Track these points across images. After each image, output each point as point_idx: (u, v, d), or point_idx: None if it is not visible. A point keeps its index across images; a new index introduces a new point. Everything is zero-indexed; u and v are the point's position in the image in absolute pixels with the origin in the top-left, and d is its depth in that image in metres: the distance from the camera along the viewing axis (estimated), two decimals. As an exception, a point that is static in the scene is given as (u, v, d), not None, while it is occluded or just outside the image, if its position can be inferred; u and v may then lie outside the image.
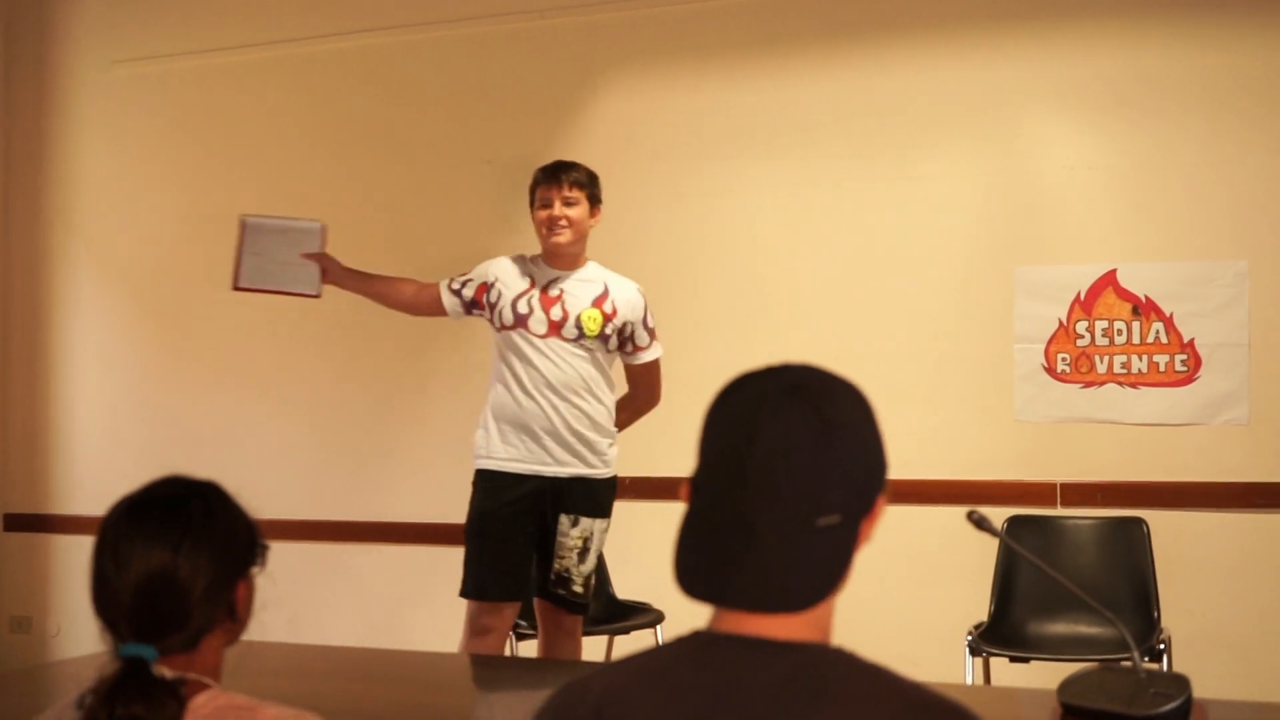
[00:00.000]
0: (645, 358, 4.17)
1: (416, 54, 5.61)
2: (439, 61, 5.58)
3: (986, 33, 4.88)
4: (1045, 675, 3.04)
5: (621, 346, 4.12)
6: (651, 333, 4.16)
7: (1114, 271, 4.71)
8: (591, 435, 4.04)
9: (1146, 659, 3.87)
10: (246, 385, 5.84)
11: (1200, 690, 2.52)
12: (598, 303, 4.05)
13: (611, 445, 4.12)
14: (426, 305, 4.21)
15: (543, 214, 4.06)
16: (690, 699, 1.33)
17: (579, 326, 4.01)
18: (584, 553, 4.04)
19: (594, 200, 4.13)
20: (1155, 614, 4.23)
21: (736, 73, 5.18)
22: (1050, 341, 4.76)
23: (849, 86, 5.01)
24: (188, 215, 5.98)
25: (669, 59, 5.28)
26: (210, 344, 5.93)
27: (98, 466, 5.99)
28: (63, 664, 3.37)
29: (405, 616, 5.39)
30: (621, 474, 5.07)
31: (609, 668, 1.43)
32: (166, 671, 1.66)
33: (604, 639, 4.67)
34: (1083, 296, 4.73)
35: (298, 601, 5.45)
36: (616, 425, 4.16)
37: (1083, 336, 4.73)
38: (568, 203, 4.06)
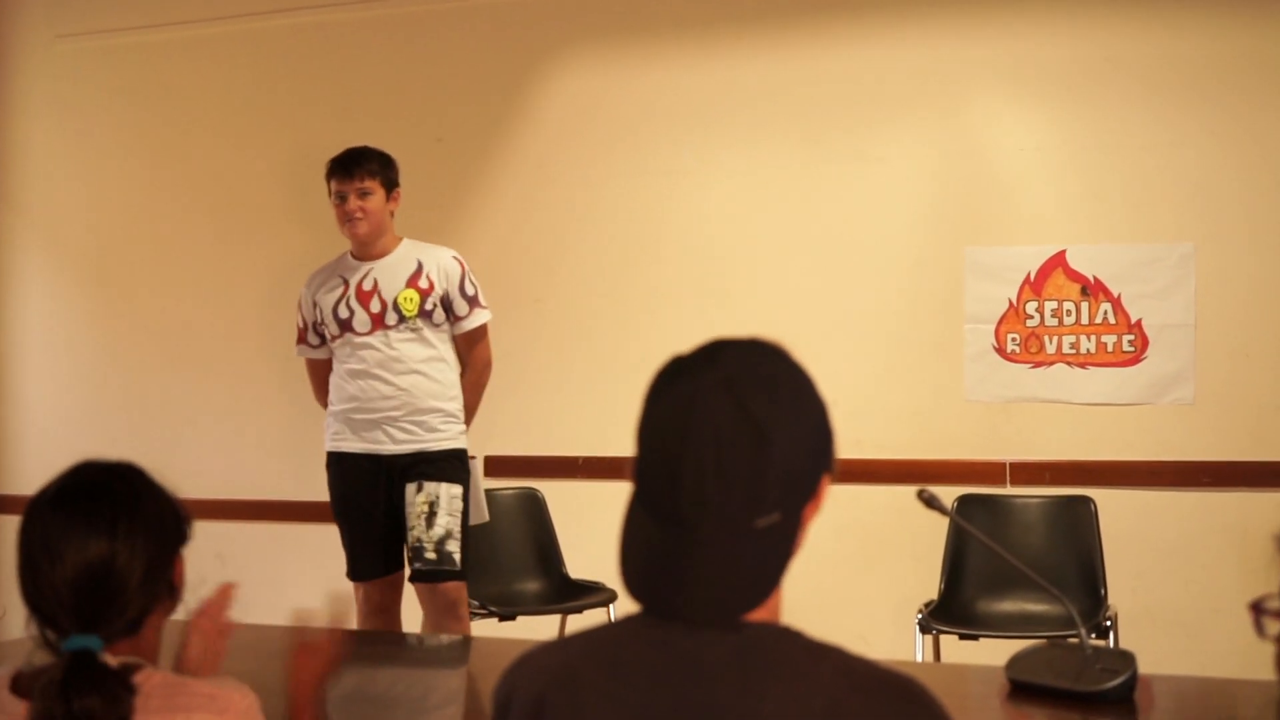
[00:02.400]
0: (467, 326, 4.15)
1: (367, 30, 5.56)
2: (390, 38, 5.53)
3: (939, 15, 4.89)
4: (994, 652, 3.06)
5: (446, 318, 4.12)
6: (471, 300, 4.14)
7: (1063, 252, 4.74)
8: (425, 416, 4.07)
9: (1093, 636, 3.91)
10: (196, 366, 5.79)
11: (1145, 666, 2.55)
12: (411, 281, 4.08)
13: (449, 420, 4.12)
14: (324, 374, 4.27)
15: (338, 209, 4.10)
16: (638, 677, 1.33)
17: (398, 310, 4.05)
18: (431, 517, 4.04)
19: (390, 185, 4.16)
20: (1102, 591, 4.27)
21: (689, 53, 5.17)
22: (1000, 322, 4.79)
23: (801, 67, 5.01)
24: (136, 193, 5.91)
25: (622, 38, 5.26)
26: (159, 324, 5.86)
27: (46, 447, 5.92)
28: (12, 644, 3.34)
29: (346, 597, 5.35)
30: (572, 453, 5.08)
31: (557, 645, 1.43)
32: (111, 660, 1.65)
33: (556, 618, 4.67)
34: (1032, 277, 4.76)
35: (245, 582, 5.40)
36: (465, 410, 4.18)
37: (1032, 317, 4.76)
38: (361, 194, 4.09)
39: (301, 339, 4.27)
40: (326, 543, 5.53)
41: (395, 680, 3.04)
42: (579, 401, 5.13)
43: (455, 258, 4.16)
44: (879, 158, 4.93)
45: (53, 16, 6.05)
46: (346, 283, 4.12)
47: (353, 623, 4.20)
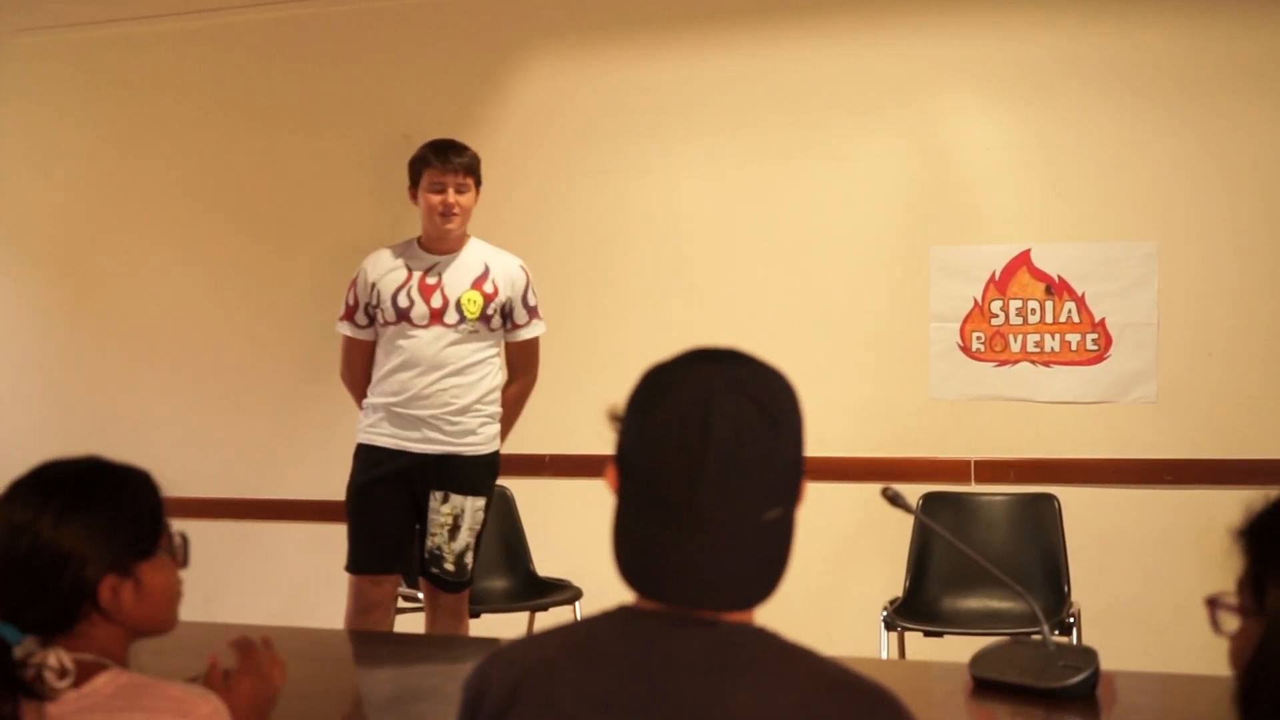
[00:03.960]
0: (523, 335, 4.16)
1: (334, 26, 5.53)
2: (357, 33, 5.51)
3: (905, 14, 4.91)
4: (959, 649, 3.08)
5: (504, 324, 4.12)
6: (532, 311, 4.15)
7: (1028, 252, 4.77)
8: (464, 416, 4.05)
9: (1056, 633, 3.94)
10: (160, 363, 5.75)
11: (1108, 663, 2.57)
12: (477, 284, 4.05)
13: (486, 424, 4.11)
14: (362, 355, 4.20)
15: (435, 199, 4.04)
16: (613, 672, 1.34)
17: (460, 310, 4.03)
18: (455, 530, 4.05)
19: (479, 184, 4.15)
20: (1065, 588, 4.30)
21: (658, 51, 5.17)
22: (965, 320, 4.82)
23: (770, 66, 5.02)
24: (99, 188, 5.86)
25: (591, 34, 5.25)
26: (122, 320, 5.82)
27: (6, 444, 5.87)
28: None
29: (321, 594, 5.34)
30: (541, 451, 5.06)
31: (534, 640, 1.43)
32: (66, 657, 1.64)
33: (524, 615, 4.67)
34: (997, 276, 4.79)
35: (212, 581, 5.38)
36: (504, 419, 4.16)
37: (997, 315, 4.79)
38: (460, 189, 4.07)
39: (348, 316, 4.17)
40: (294, 541, 5.53)
41: (427, 676, 3.04)
42: (546, 399, 5.10)
43: (522, 267, 4.15)
44: (846, 157, 4.95)
45: (15, 10, 6.00)
46: (411, 272, 4.07)
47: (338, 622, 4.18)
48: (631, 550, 1.37)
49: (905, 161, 4.90)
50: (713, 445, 1.32)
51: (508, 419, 4.22)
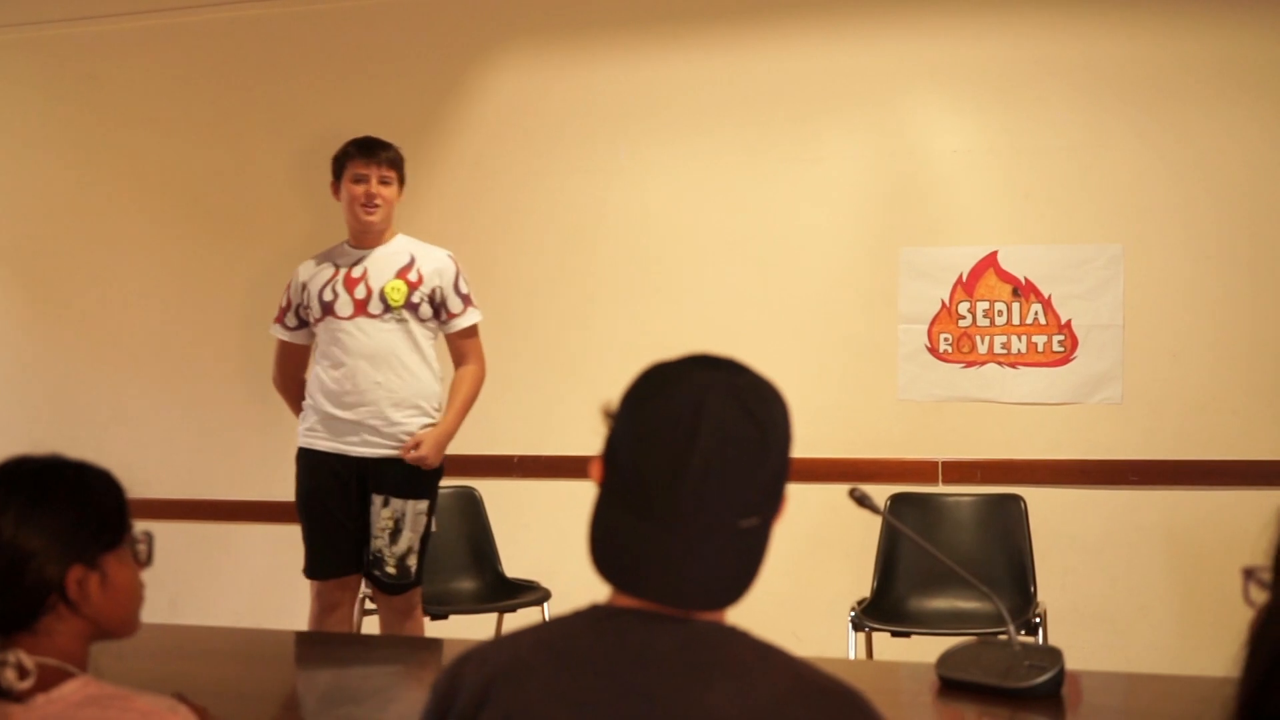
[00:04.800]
0: (460, 324, 4.14)
1: (301, 25, 5.51)
2: (325, 33, 5.48)
3: (875, 17, 4.93)
4: (926, 649, 3.09)
5: (436, 316, 4.11)
6: (465, 299, 4.14)
7: (995, 253, 4.80)
8: (400, 415, 4.04)
9: (1022, 633, 3.96)
10: (124, 364, 5.71)
11: (1073, 662, 2.59)
12: (402, 274, 4.06)
13: (427, 425, 4.09)
14: (294, 361, 4.24)
15: (358, 189, 4.06)
16: (585, 669, 1.34)
17: (384, 300, 4.02)
18: (396, 533, 4.06)
19: (403, 180, 4.17)
20: (1032, 589, 4.33)
21: (627, 51, 5.17)
22: (933, 322, 4.84)
23: (738, 68, 5.03)
24: (64, 187, 5.82)
25: (560, 35, 5.25)
26: (86, 321, 5.78)
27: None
28: None
29: (286, 595, 5.32)
30: (510, 453, 5.05)
31: (506, 640, 1.43)
32: (24, 657, 1.62)
33: (492, 617, 4.66)
34: (965, 278, 4.82)
35: (178, 582, 5.36)
36: (455, 411, 4.12)
37: (964, 317, 4.81)
38: (383, 181, 4.08)
39: (279, 318, 4.21)
40: (260, 543, 5.50)
41: (364, 678, 3.03)
42: (515, 400, 5.11)
43: (450, 257, 4.15)
44: (815, 159, 4.96)
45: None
46: (337, 268, 4.09)
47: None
48: (605, 539, 1.37)
49: (874, 163, 4.91)
50: (699, 447, 1.33)
51: (464, 402, 4.15)
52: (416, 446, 4.02)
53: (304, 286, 4.13)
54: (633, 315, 5.02)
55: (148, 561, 1.79)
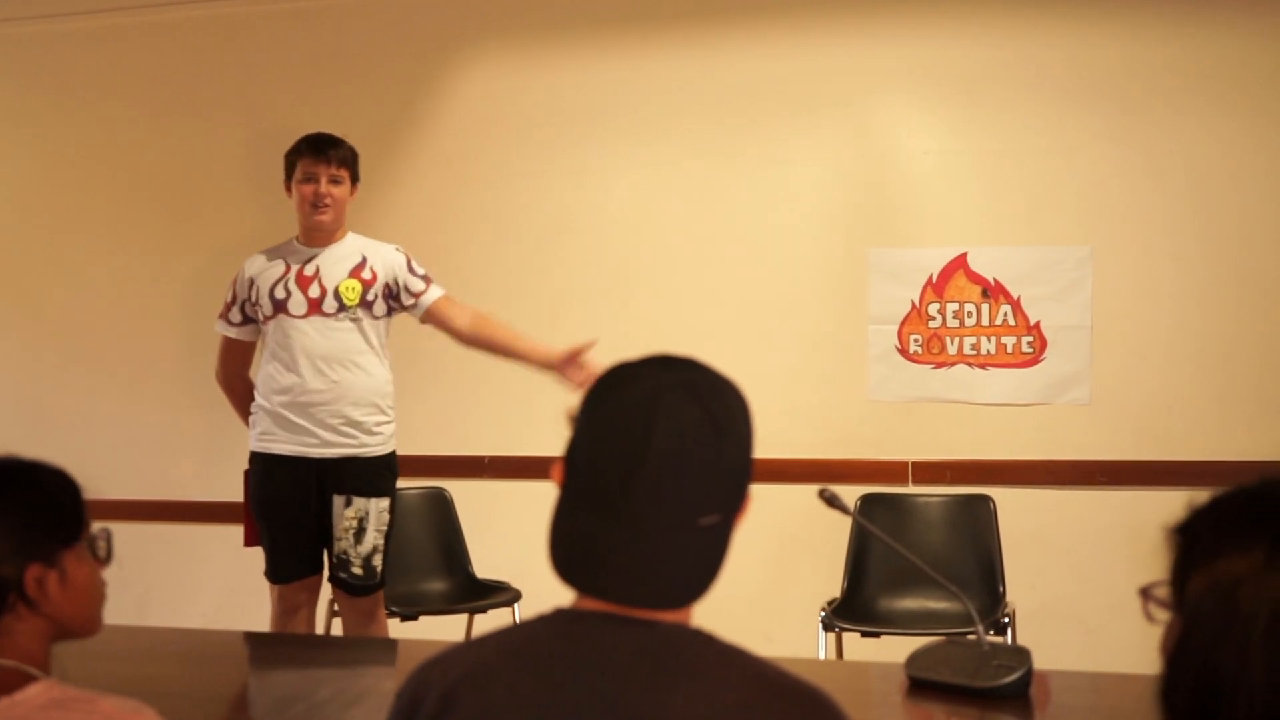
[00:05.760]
0: (430, 297, 4.10)
1: (271, 24, 5.48)
2: (293, 32, 5.46)
3: (843, 17, 4.94)
4: (896, 649, 3.10)
5: (401, 305, 4.09)
6: (424, 279, 4.11)
7: (965, 255, 4.81)
8: (357, 414, 4.02)
9: (991, 633, 3.98)
10: (90, 363, 5.67)
11: (1042, 662, 2.60)
12: (355, 272, 4.04)
13: (383, 423, 4.08)
14: (238, 358, 4.20)
15: (307, 189, 4.04)
16: (550, 673, 1.34)
17: (338, 298, 4.00)
18: (360, 533, 4.04)
19: (355, 179, 4.14)
20: (1001, 588, 4.34)
21: (598, 51, 5.17)
22: (903, 323, 4.85)
23: (708, 69, 5.04)
24: (31, 186, 5.78)
25: (529, 35, 5.24)
26: (50, 320, 5.74)
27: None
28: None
29: (255, 596, 5.29)
30: (479, 453, 5.04)
31: (470, 645, 1.43)
32: None
33: (463, 618, 4.65)
34: (935, 279, 4.83)
35: (145, 583, 5.33)
36: (510, 333, 4.06)
37: (934, 318, 4.83)
38: (334, 180, 4.06)
39: (224, 314, 4.17)
40: (227, 544, 5.46)
41: (320, 682, 3.02)
42: (486, 401, 5.11)
43: (398, 249, 4.13)
44: (785, 160, 4.97)
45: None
46: (289, 266, 4.06)
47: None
48: (563, 541, 1.37)
49: (844, 164, 4.92)
50: (654, 445, 1.32)
51: (509, 332, 4.08)
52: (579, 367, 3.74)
53: (251, 282, 4.09)
54: (603, 316, 5.01)
55: (107, 559, 1.77)
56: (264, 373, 4.09)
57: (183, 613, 5.27)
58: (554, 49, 5.21)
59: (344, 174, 4.07)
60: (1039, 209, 4.78)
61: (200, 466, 5.51)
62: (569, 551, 1.37)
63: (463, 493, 4.91)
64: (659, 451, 1.32)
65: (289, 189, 4.13)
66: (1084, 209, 4.74)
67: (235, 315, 4.14)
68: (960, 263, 4.81)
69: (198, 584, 5.50)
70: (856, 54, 4.92)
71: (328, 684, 2.97)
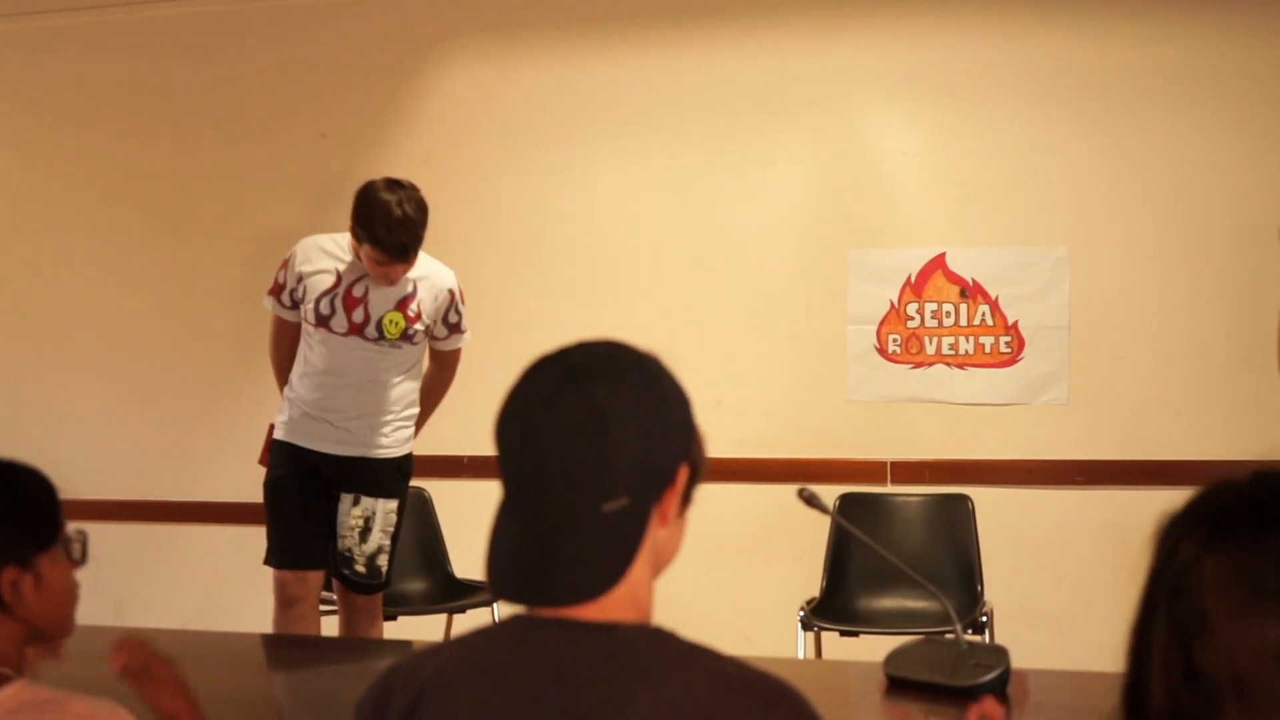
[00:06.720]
0: (444, 348, 4.18)
1: (251, 22, 5.46)
2: (274, 30, 5.44)
3: (822, 18, 4.95)
4: (874, 648, 3.11)
5: (433, 337, 4.13)
6: (453, 328, 4.12)
7: (943, 255, 4.83)
8: (381, 424, 4.04)
9: (969, 631, 3.99)
10: (70, 362, 5.65)
11: (1019, 661, 2.61)
12: (402, 305, 3.98)
13: (400, 428, 4.09)
14: (289, 339, 4.13)
15: (377, 270, 3.88)
16: (510, 681, 1.33)
17: (380, 329, 3.97)
18: (365, 532, 4.04)
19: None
20: (979, 588, 4.36)
21: (576, 51, 5.17)
22: (882, 323, 4.86)
23: (688, 69, 5.04)
24: (9, 183, 5.75)
25: (509, 34, 5.23)
26: (31, 319, 5.71)
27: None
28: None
29: (234, 597, 5.28)
30: (459, 453, 5.03)
31: (431, 651, 1.42)
32: None
33: (442, 618, 4.64)
34: (913, 279, 4.85)
35: (123, 584, 5.30)
36: (422, 410, 4.16)
37: (913, 318, 4.84)
38: (404, 269, 3.94)
39: (275, 293, 4.06)
40: (207, 544, 5.45)
41: (303, 684, 3.01)
42: (465, 400, 5.07)
43: (450, 289, 4.05)
44: (764, 160, 4.98)
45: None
46: (340, 279, 3.96)
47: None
48: (490, 548, 1.36)
49: (823, 165, 4.93)
50: (533, 442, 1.32)
51: (425, 410, 4.21)
52: None
53: (300, 278, 3.99)
54: (582, 314, 5.01)
55: (82, 560, 1.77)
56: (297, 373, 4.05)
57: (160, 614, 5.25)
58: (534, 48, 5.21)
59: (414, 259, 3.92)
60: (1017, 209, 4.79)
61: (177, 466, 5.49)
62: (492, 559, 1.36)
63: (442, 493, 4.90)
64: (537, 448, 1.31)
65: (355, 235, 3.90)
66: (1061, 209, 4.76)
67: (286, 299, 4.05)
68: (939, 263, 4.82)
69: (176, 585, 5.47)
70: (836, 54, 4.93)
71: (305, 687, 2.96)
